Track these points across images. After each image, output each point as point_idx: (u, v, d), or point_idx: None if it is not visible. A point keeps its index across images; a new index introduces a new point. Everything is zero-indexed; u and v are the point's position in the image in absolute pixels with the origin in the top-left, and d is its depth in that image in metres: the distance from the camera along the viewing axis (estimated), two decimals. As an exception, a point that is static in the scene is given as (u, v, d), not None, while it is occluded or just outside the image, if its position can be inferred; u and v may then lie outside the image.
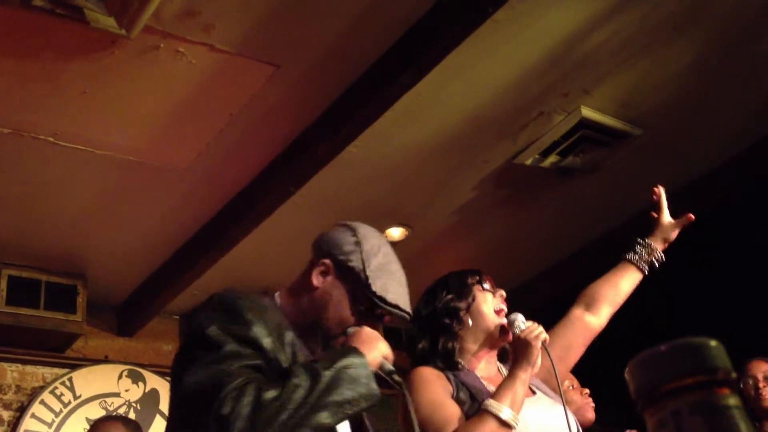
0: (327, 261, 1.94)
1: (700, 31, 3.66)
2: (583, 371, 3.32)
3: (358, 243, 1.96)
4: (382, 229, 4.86)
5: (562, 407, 2.20)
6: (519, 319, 2.27)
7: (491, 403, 2.07)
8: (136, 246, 4.74)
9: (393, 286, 1.93)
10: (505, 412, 2.05)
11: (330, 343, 1.86)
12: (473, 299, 2.37)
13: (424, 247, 4.96)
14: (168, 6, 3.05)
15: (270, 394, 1.55)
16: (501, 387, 2.13)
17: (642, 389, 0.69)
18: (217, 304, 1.78)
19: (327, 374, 1.61)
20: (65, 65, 3.31)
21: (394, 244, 5.00)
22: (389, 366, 1.79)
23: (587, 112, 4.03)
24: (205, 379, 1.61)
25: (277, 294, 2.00)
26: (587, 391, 3.26)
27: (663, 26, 3.57)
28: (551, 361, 2.19)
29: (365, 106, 3.63)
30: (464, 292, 2.39)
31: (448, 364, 2.30)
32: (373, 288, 1.89)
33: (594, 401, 3.25)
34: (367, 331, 1.81)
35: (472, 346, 2.35)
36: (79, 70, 3.34)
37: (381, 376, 1.77)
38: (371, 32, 3.35)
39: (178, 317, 5.60)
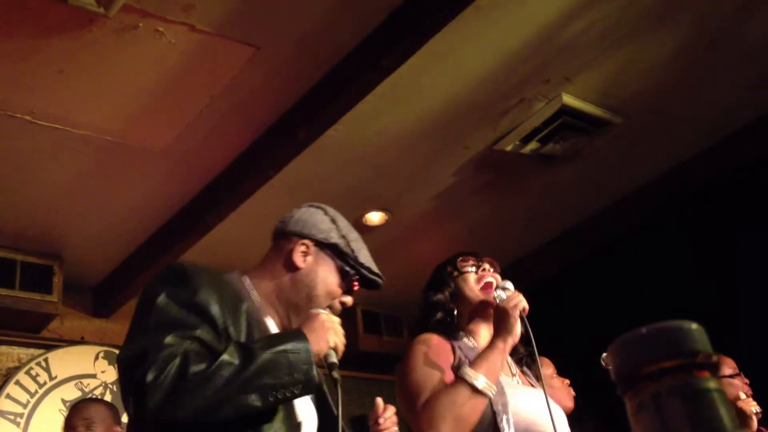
0: (306, 241, 1.99)
1: (682, 21, 3.67)
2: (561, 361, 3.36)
3: (333, 221, 2.04)
4: (362, 213, 4.86)
5: (542, 393, 2.22)
6: (502, 288, 2.31)
7: (467, 371, 2.11)
8: (113, 227, 4.70)
9: (369, 256, 2.03)
10: (479, 380, 2.08)
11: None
12: (454, 286, 2.41)
13: (403, 231, 4.96)
14: (148, -16, 3.02)
15: (197, 367, 1.53)
16: (479, 356, 2.17)
17: (622, 372, 0.69)
18: (170, 273, 1.79)
19: (264, 356, 1.58)
20: (42, 43, 3.26)
21: (374, 229, 5.00)
22: (333, 358, 1.75)
23: (568, 100, 4.04)
24: (140, 346, 1.60)
25: (245, 277, 1.99)
26: (567, 381, 3.30)
27: (645, 15, 3.58)
28: (528, 329, 2.23)
29: (346, 90, 3.61)
30: (443, 284, 2.44)
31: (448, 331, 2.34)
32: (360, 260, 1.98)
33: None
34: (323, 318, 1.78)
35: (466, 324, 2.40)
36: (56, 49, 3.29)
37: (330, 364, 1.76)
38: (353, 15, 3.33)
39: (155, 299, 5.57)
